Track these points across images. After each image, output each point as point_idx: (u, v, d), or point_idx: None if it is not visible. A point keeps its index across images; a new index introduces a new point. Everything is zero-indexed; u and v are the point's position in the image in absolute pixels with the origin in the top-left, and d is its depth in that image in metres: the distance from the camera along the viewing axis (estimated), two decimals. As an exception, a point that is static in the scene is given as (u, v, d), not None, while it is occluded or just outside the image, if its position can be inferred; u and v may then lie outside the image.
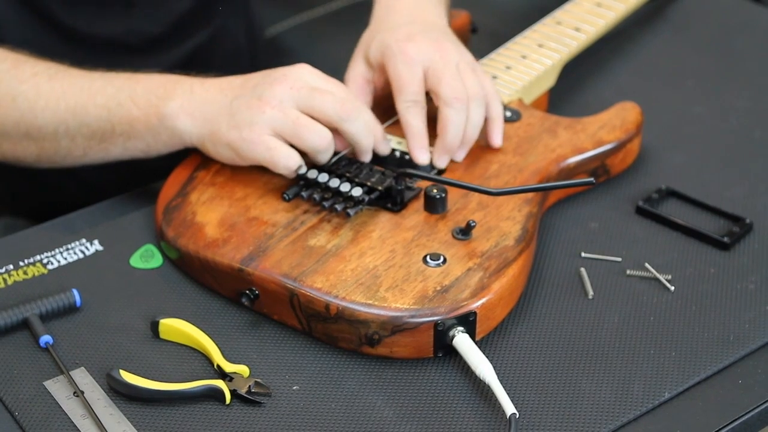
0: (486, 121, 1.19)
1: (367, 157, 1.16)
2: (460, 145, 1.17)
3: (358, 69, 1.23)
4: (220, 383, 0.99)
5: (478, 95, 1.17)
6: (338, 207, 1.10)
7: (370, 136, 1.15)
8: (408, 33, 1.20)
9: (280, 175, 1.15)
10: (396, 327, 1.01)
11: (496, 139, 1.19)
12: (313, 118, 1.12)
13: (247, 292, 1.05)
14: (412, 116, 1.17)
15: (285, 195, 1.12)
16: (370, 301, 1.02)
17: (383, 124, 1.21)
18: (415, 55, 1.18)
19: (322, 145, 1.12)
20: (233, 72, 1.19)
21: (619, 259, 1.13)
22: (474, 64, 1.20)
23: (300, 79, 1.13)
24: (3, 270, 1.11)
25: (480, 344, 1.02)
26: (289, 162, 1.11)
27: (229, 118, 1.12)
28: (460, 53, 1.20)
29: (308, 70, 1.15)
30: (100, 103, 1.16)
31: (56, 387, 1.00)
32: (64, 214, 1.21)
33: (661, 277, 1.11)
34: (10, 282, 1.10)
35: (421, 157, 1.17)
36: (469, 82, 1.17)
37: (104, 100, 1.16)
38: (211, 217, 1.11)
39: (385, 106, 1.22)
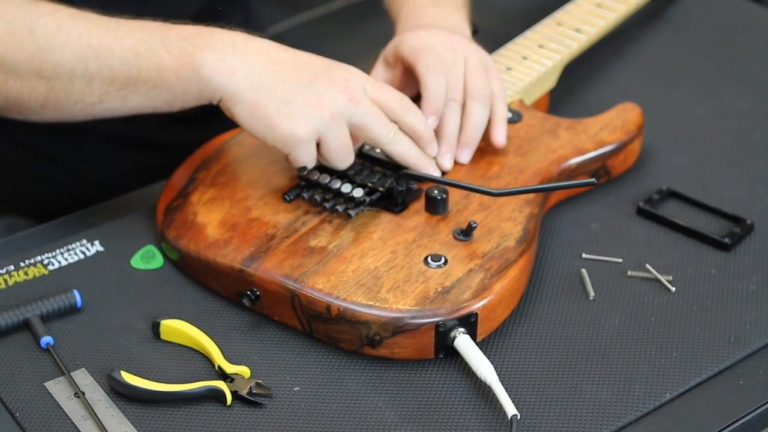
0: (489, 120, 1.19)
1: (425, 171, 1.15)
2: (461, 144, 1.17)
3: (376, 73, 1.24)
4: (221, 384, 0.99)
5: (480, 94, 1.17)
6: (339, 208, 1.10)
7: (414, 158, 1.14)
8: (423, 27, 1.21)
9: (281, 176, 1.15)
10: (397, 328, 1.01)
11: (497, 138, 1.18)
12: (357, 131, 1.11)
13: (248, 292, 1.05)
14: (433, 77, 1.16)
15: (286, 196, 1.12)
16: (372, 302, 1.02)
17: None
18: (426, 37, 1.19)
19: (345, 166, 1.12)
20: None
21: (620, 260, 1.13)
22: (487, 63, 1.20)
23: (359, 90, 1.10)
24: (4, 271, 1.11)
25: (481, 345, 1.02)
26: (305, 161, 1.10)
27: (281, 103, 1.08)
28: (474, 49, 1.20)
29: (366, 80, 1.12)
30: (127, 46, 1.10)
31: (57, 388, 1.00)
32: (65, 214, 1.21)
33: (662, 278, 1.11)
34: (10, 283, 1.10)
35: (431, 121, 1.16)
36: (473, 80, 1.17)
37: (132, 42, 1.10)
38: (212, 218, 1.11)
39: None
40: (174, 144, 1.34)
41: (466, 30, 1.28)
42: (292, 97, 1.09)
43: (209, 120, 1.36)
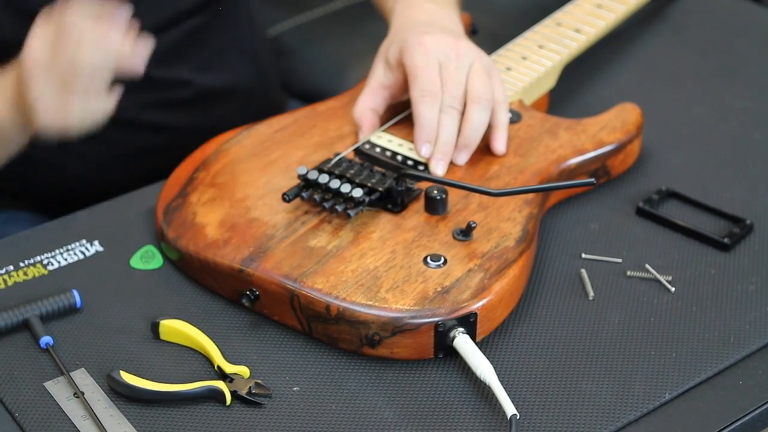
0: (490, 127, 1.19)
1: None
2: (459, 146, 1.17)
3: (375, 74, 1.23)
4: (220, 384, 0.99)
5: (480, 98, 1.17)
6: (339, 208, 1.10)
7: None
8: (426, 30, 1.21)
9: (280, 176, 1.15)
10: (396, 328, 1.01)
11: (497, 146, 1.18)
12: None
13: (248, 293, 1.05)
14: (425, 106, 1.17)
15: (285, 196, 1.12)
16: (371, 302, 1.02)
17: (387, 123, 1.22)
18: (432, 47, 1.18)
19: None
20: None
21: (620, 260, 1.13)
22: (490, 68, 1.20)
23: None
24: (3, 271, 1.11)
25: (480, 345, 1.02)
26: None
27: None
28: (478, 54, 1.20)
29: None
30: None
31: (56, 388, 1.00)
32: (63, 213, 1.21)
33: (662, 278, 1.11)
34: (10, 283, 1.10)
35: (425, 151, 1.16)
36: (475, 85, 1.17)
37: None
38: (211, 218, 1.11)
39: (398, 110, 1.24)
40: (159, 125, 1.36)
41: (461, 29, 1.28)
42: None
43: (196, 104, 1.37)
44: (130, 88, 1.34)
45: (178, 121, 1.39)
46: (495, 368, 0.99)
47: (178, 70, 1.40)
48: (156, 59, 1.32)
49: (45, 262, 1.13)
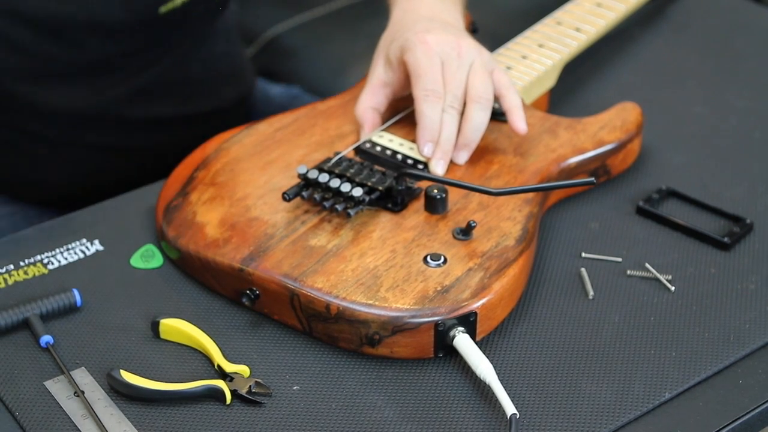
0: (506, 113, 1.18)
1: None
2: (459, 146, 1.17)
3: (376, 72, 1.22)
4: (220, 383, 0.99)
5: (479, 97, 1.16)
6: (339, 207, 1.10)
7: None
8: (428, 27, 1.20)
9: (280, 175, 1.15)
10: (396, 327, 1.01)
11: (518, 126, 1.18)
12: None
13: (248, 292, 1.05)
14: (428, 106, 1.16)
15: (285, 195, 1.12)
16: (371, 302, 1.02)
17: (387, 122, 1.22)
18: (434, 46, 1.18)
19: None
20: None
21: (620, 260, 1.14)
22: (491, 65, 1.20)
23: None
24: (3, 270, 1.11)
25: (480, 344, 1.03)
26: None
27: None
28: (479, 52, 1.20)
29: None
30: None
31: (57, 387, 1.00)
32: (62, 213, 1.21)
33: (662, 278, 1.11)
34: (10, 282, 1.10)
35: (427, 150, 1.16)
36: (474, 84, 1.17)
37: None
38: (211, 217, 1.11)
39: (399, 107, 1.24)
40: (142, 148, 1.37)
41: (462, 24, 1.27)
42: None
43: (178, 125, 1.38)
44: (109, 127, 1.36)
45: (155, 144, 1.40)
46: (495, 367, 0.99)
47: (159, 107, 1.40)
48: (133, 100, 1.34)
49: (45, 261, 1.13)
